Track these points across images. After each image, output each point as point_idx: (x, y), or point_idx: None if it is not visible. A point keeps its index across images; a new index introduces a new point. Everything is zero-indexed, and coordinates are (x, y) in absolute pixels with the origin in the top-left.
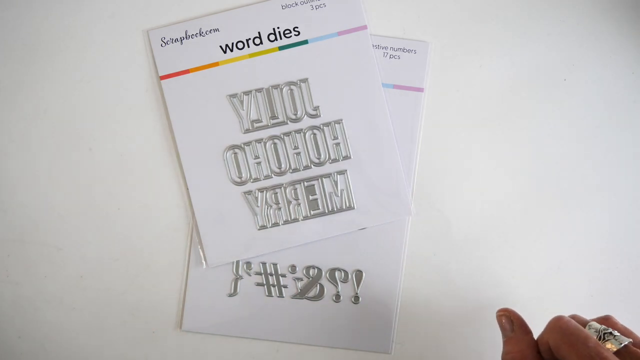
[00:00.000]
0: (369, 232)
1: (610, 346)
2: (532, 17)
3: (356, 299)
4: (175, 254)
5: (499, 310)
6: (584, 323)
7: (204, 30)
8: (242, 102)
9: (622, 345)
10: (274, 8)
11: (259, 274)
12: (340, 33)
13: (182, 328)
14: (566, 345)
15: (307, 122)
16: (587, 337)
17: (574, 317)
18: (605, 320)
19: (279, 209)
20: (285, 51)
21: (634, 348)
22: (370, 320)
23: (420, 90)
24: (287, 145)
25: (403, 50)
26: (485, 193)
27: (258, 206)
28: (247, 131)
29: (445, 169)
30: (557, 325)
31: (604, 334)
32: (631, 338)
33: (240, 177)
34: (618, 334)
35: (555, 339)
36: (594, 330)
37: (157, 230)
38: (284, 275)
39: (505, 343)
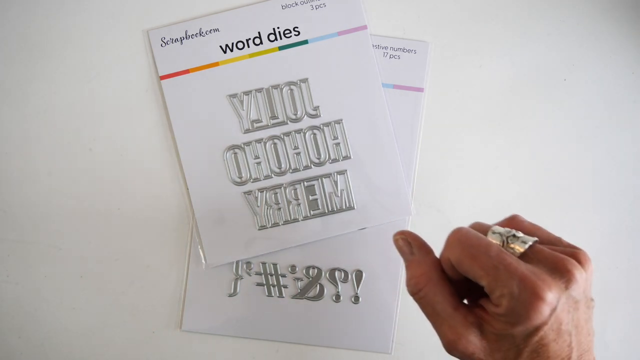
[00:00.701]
0: (369, 232)
1: (516, 248)
2: (532, 17)
3: (356, 299)
4: (175, 254)
5: (396, 234)
6: (487, 230)
7: (204, 30)
8: (242, 102)
9: (528, 245)
10: (274, 8)
11: (259, 274)
12: (340, 33)
13: (182, 328)
14: (468, 259)
15: (307, 122)
16: (488, 246)
17: (475, 225)
18: (511, 220)
19: (279, 209)
20: (285, 51)
21: (540, 246)
22: (370, 320)
23: (420, 90)
24: (287, 145)
25: (403, 50)
26: (485, 193)
27: (258, 206)
28: (247, 131)
29: (445, 169)
30: (456, 238)
31: (508, 237)
32: (538, 236)
33: (240, 177)
34: (522, 234)
35: (456, 253)
36: (498, 234)
37: (157, 230)
38: (284, 275)
39: (407, 268)
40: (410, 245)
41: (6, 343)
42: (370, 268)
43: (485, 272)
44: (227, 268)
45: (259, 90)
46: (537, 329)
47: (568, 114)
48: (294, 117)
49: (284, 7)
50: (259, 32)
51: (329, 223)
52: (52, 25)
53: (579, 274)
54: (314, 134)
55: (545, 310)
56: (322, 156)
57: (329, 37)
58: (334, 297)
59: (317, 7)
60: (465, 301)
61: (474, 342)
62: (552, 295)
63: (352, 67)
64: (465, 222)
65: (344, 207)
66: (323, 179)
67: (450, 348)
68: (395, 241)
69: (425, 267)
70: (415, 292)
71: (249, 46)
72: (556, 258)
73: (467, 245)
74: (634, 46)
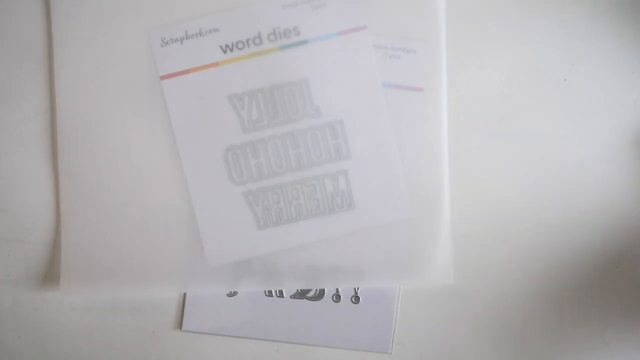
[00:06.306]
0: (369, 232)
1: None
2: (532, 17)
3: (356, 299)
4: (175, 254)
5: None
6: None
7: (204, 30)
8: (242, 102)
9: None
10: (274, 8)
11: (259, 274)
12: (340, 33)
13: (182, 328)
14: None
15: (307, 122)
16: None
17: None
18: None
19: (279, 209)
20: (285, 51)
21: None
22: (370, 320)
23: (420, 90)
24: (287, 145)
25: (403, 50)
26: (486, 193)
27: (258, 206)
28: (247, 131)
29: (445, 169)
30: None
31: None
32: None
33: (240, 177)
34: None
35: None
36: None
37: (157, 230)
38: (284, 276)
39: None
40: None
41: (6, 343)
42: (370, 268)
43: None
44: (227, 268)
45: (259, 90)
46: None
47: (568, 114)
48: (294, 117)
49: (284, 7)
50: (259, 32)
51: (329, 223)
52: (52, 25)
53: None
54: (314, 134)
55: None
56: (322, 156)
57: (329, 37)
58: (334, 297)
59: (317, 7)
60: None
61: None
62: None
63: (352, 67)
64: (466, 222)
65: (344, 207)
66: (323, 179)
67: None
68: None
69: None
70: None
71: (249, 46)
72: None
73: None
74: (634, 46)
